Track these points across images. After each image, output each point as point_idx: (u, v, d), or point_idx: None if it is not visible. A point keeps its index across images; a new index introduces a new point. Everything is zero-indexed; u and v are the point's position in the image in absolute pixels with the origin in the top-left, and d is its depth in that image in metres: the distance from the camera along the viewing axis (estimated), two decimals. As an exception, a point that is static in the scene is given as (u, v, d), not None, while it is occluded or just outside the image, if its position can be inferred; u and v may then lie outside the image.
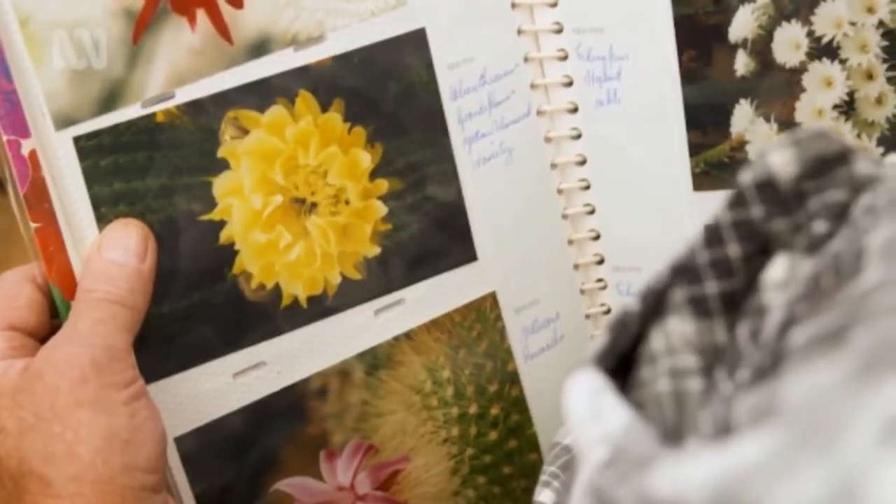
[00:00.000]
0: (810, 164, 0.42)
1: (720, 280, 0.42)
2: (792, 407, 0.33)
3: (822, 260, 0.40)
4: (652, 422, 0.41)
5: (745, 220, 0.42)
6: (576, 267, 0.74)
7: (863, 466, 0.30)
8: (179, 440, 0.66)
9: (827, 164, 0.42)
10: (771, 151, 0.42)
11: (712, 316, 0.42)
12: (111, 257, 0.62)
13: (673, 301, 0.43)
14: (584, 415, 0.41)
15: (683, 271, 0.43)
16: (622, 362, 0.44)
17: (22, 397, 0.59)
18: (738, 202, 0.42)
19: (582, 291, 0.75)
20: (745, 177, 0.42)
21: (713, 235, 0.43)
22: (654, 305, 0.43)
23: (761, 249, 0.42)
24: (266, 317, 0.66)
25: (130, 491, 0.58)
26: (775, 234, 0.42)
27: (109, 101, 0.62)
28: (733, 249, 0.42)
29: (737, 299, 0.42)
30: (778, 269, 0.42)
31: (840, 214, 0.41)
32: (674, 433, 0.41)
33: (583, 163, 0.72)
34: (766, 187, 0.42)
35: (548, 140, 0.72)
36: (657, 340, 0.42)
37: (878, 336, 0.33)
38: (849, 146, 0.42)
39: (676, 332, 0.42)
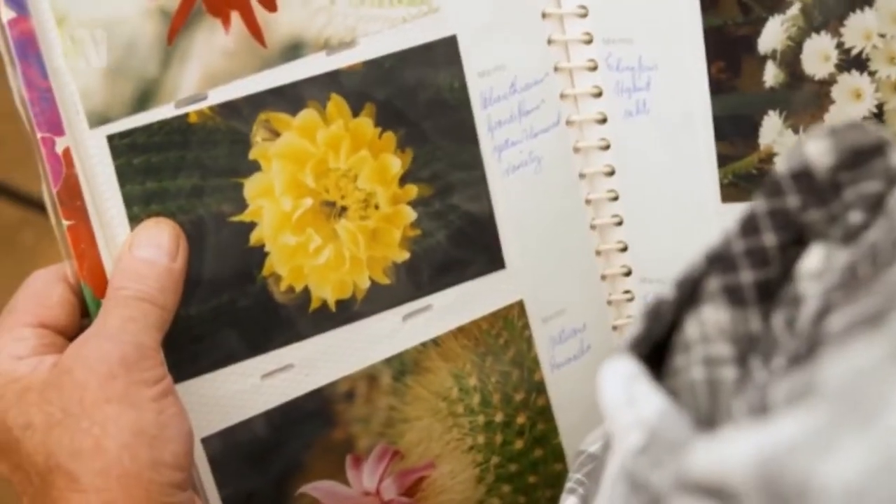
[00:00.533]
0: (846, 154, 0.42)
1: (755, 269, 0.42)
2: (832, 385, 0.33)
3: (858, 250, 0.40)
4: (686, 409, 0.41)
5: (781, 209, 0.42)
6: (603, 278, 0.74)
7: None
8: (206, 441, 0.66)
9: (863, 156, 0.42)
10: (807, 141, 0.42)
11: (747, 305, 0.42)
12: (142, 255, 0.62)
13: (708, 290, 0.43)
14: (618, 400, 0.41)
15: (719, 260, 0.43)
16: (656, 351, 0.44)
17: (50, 393, 0.59)
18: (774, 191, 0.42)
19: (609, 302, 0.75)
20: (782, 166, 0.43)
21: (749, 224, 0.43)
22: (689, 294, 0.43)
23: (797, 239, 0.43)
24: (295, 319, 0.67)
25: (157, 486, 0.59)
26: (811, 224, 0.42)
27: (143, 100, 0.63)
28: (769, 238, 0.42)
29: (772, 288, 0.42)
30: (813, 259, 0.42)
31: (876, 205, 0.41)
32: (707, 421, 0.41)
33: (611, 173, 0.73)
34: (803, 177, 0.42)
35: (576, 150, 0.73)
36: (691, 329, 0.42)
37: None
38: (884, 138, 0.42)
39: (711, 320, 0.42)
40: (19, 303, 0.63)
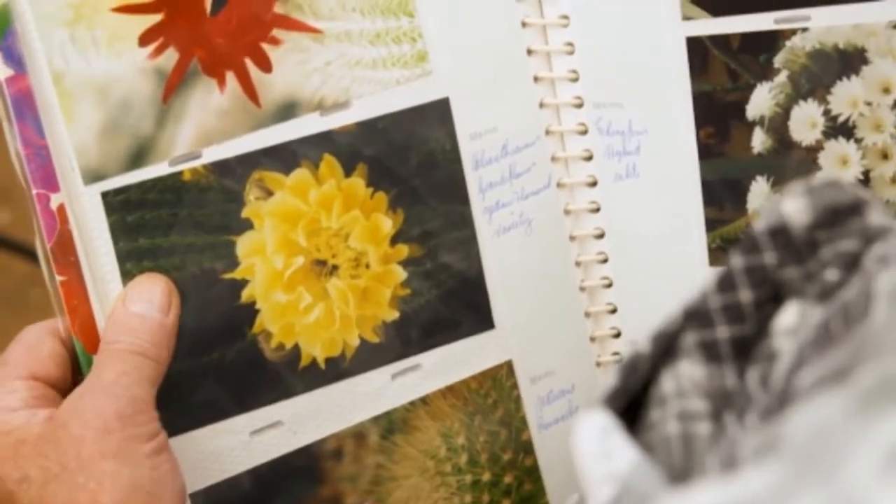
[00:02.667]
0: (823, 213, 0.43)
1: (731, 325, 0.43)
2: (793, 441, 0.34)
3: (831, 307, 0.41)
4: (660, 464, 0.41)
5: (757, 266, 0.43)
6: (592, 339, 0.75)
7: (864, 495, 0.30)
8: (194, 497, 0.66)
9: (840, 214, 0.43)
10: (784, 199, 0.43)
11: (722, 361, 0.43)
12: (135, 310, 0.63)
13: (684, 345, 0.43)
14: (592, 453, 0.41)
15: (695, 315, 0.43)
16: (632, 404, 0.44)
17: (46, 447, 0.60)
18: (751, 248, 0.43)
19: (598, 364, 0.75)
20: (759, 223, 0.43)
21: (725, 280, 0.43)
22: (666, 348, 0.44)
23: (773, 296, 0.43)
24: (284, 377, 0.67)
25: None
26: (787, 281, 0.43)
27: (137, 157, 0.63)
28: (745, 295, 0.43)
29: (747, 345, 0.43)
30: (789, 316, 0.42)
31: (852, 264, 0.42)
32: (681, 476, 0.41)
33: (601, 236, 0.73)
34: (780, 234, 0.43)
35: (567, 212, 0.73)
36: (667, 383, 0.43)
37: (881, 373, 0.34)
38: (862, 197, 0.43)
39: (686, 375, 0.43)
40: (11, 356, 0.64)
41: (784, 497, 0.32)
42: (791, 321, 0.42)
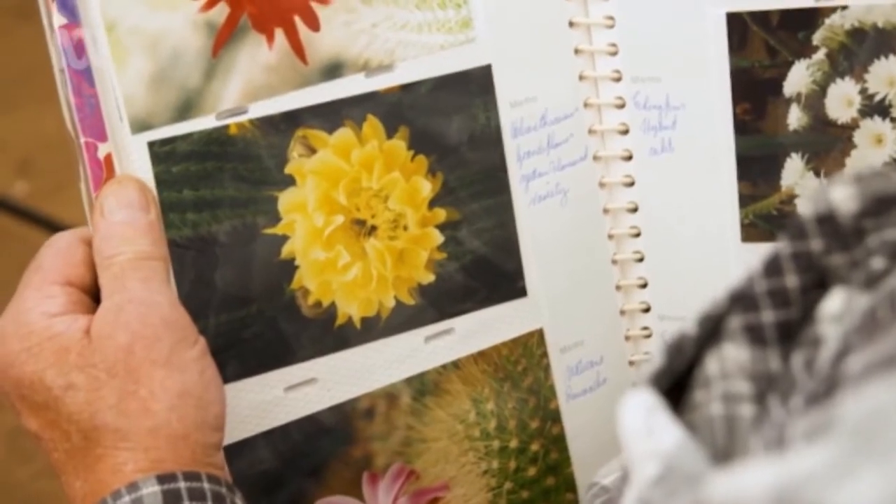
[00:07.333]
0: (871, 201, 0.43)
1: (777, 309, 0.43)
2: (851, 421, 0.34)
3: (878, 295, 0.41)
4: (703, 444, 0.42)
5: (804, 252, 0.43)
6: (622, 313, 0.76)
7: None
8: (226, 450, 0.67)
9: (887, 204, 0.43)
10: (833, 187, 0.43)
11: (767, 344, 0.43)
12: (120, 219, 0.63)
13: (729, 327, 0.44)
14: (637, 431, 0.42)
15: (741, 299, 0.44)
16: (676, 385, 0.45)
17: (94, 356, 0.60)
18: (798, 234, 0.44)
19: (627, 338, 0.76)
20: (807, 210, 0.44)
21: (772, 265, 0.44)
22: (711, 331, 0.44)
23: (819, 282, 0.44)
24: (320, 334, 0.68)
25: (201, 448, 0.61)
26: (833, 268, 0.43)
27: (185, 109, 0.64)
28: (791, 280, 0.43)
29: (792, 329, 0.43)
30: (835, 302, 0.43)
31: None
32: (724, 456, 0.42)
33: (634, 210, 0.74)
34: (827, 221, 0.43)
35: (602, 185, 0.74)
36: (712, 365, 0.44)
37: None
38: None
39: (731, 358, 0.43)
40: (45, 261, 0.64)
41: (841, 474, 0.32)
42: (836, 307, 0.42)
